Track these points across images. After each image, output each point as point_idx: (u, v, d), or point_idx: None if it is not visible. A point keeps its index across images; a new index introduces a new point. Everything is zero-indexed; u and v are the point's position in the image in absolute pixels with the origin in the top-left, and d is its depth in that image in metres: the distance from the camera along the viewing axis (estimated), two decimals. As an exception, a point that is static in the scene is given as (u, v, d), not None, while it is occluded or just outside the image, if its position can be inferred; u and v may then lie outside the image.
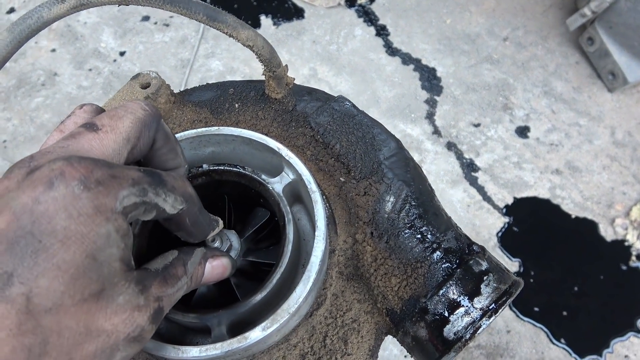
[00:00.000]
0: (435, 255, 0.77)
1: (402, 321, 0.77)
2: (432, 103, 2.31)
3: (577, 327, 1.74)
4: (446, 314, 0.72)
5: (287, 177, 0.85)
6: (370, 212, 0.84)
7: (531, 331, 1.73)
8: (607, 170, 2.11)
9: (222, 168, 0.88)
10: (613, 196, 2.04)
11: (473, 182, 2.06)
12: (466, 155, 2.14)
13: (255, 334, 0.68)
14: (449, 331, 0.72)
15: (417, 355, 0.78)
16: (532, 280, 1.82)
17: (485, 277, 0.75)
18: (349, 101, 0.95)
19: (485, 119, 2.26)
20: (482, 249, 0.81)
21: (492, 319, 0.71)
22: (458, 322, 0.72)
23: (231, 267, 0.68)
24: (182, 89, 2.55)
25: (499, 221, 1.96)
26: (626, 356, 1.69)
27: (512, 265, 1.87)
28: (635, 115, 2.28)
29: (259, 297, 0.75)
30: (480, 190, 2.04)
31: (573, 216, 1.97)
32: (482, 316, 0.71)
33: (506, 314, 1.77)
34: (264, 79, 0.99)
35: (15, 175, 0.38)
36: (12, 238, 0.34)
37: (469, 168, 2.10)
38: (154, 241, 0.83)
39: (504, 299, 0.73)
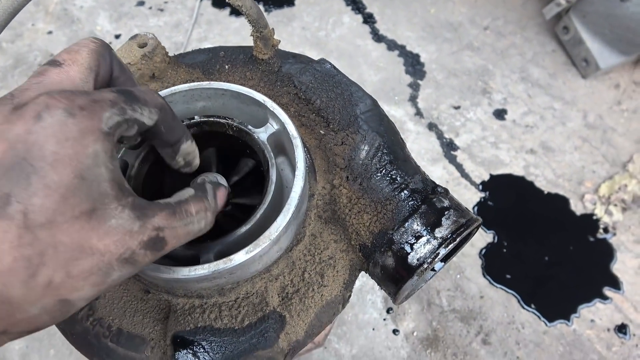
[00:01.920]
0: (402, 194, 0.85)
1: (373, 253, 0.85)
2: (415, 87, 2.39)
3: (546, 294, 1.83)
4: (410, 243, 0.80)
5: (272, 127, 0.92)
6: (346, 159, 0.92)
7: (503, 297, 1.82)
8: (578, 151, 2.21)
9: (212, 119, 0.95)
10: (583, 174, 2.13)
11: (452, 160, 2.14)
12: (446, 135, 2.22)
13: (239, 257, 0.75)
14: (412, 258, 0.80)
15: (385, 283, 0.86)
16: (505, 250, 1.91)
17: (446, 212, 0.83)
18: (330, 63, 1.02)
19: (465, 102, 2.34)
20: (446, 190, 0.89)
21: (450, 246, 0.79)
22: (420, 249, 0.80)
23: (227, 194, 0.74)
24: None
25: (476, 196, 2.05)
26: (592, 320, 1.79)
27: (486, 236, 1.96)
28: (607, 100, 2.38)
29: (243, 229, 0.83)
30: (459, 167, 2.12)
31: (545, 192, 2.06)
32: (441, 244, 0.79)
33: (480, 281, 1.86)
34: (252, 45, 1.06)
35: (1, 112, 0.40)
36: (8, 164, 0.37)
37: (449, 147, 2.19)
38: (149, 180, 0.90)
39: (462, 230, 0.81)
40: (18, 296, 0.37)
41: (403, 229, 0.81)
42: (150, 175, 0.94)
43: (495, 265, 1.86)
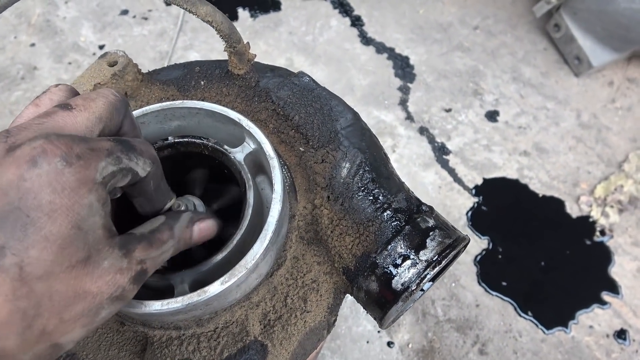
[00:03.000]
0: (385, 214, 0.82)
1: (356, 277, 0.82)
2: (405, 90, 2.36)
3: (543, 300, 1.80)
4: (394, 267, 0.77)
5: (249, 146, 0.89)
6: (327, 177, 0.88)
7: (499, 305, 1.79)
8: (572, 151, 2.19)
9: (187, 140, 0.92)
10: (578, 175, 2.11)
11: (444, 164, 2.12)
12: (438, 139, 2.19)
13: (214, 288, 0.72)
14: (396, 282, 0.77)
15: (370, 308, 0.83)
16: (500, 257, 1.88)
17: (431, 233, 0.80)
18: (308, 76, 0.99)
19: (456, 104, 2.31)
20: (430, 208, 0.86)
21: (435, 269, 0.76)
22: (405, 273, 0.76)
23: (217, 227, 0.72)
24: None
25: (469, 201, 2.02)
26: (590, 326, 1.76)
27: (481, 242, 1.93)
28: (600, 98, 2.36)
29: (219, 256, 0.79)
30: (451, 172, 2.09)
31: (540, 195, 2.03)
32: (426, 267, 0.76)
33: (475, 289, 1.83)
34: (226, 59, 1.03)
35: None
36: (2, 213, 0.36)
37: (441, 151, 2.16)
38: (121, 212, 0.87)
39: (448, 251, 0.78)
40: (12, 347, 0.37)
41: (386, 252, 0.78)
42: (121, 205, 0.90)
43: (490, 272, 1.83)
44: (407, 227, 0.80)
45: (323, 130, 0.92)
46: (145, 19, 2.77)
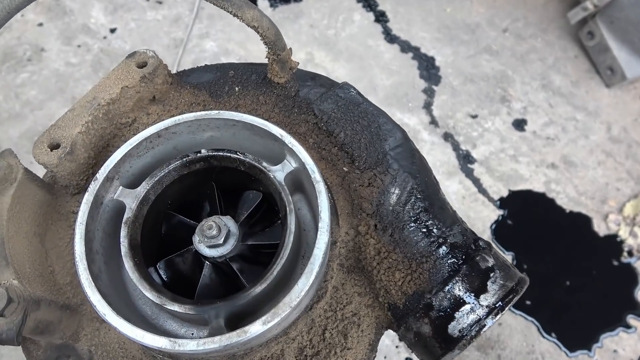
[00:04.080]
0: (441, 250, 0.75)
1: (405, 317, 0.76)
2: (430, 93, 2.29)
3: (567, 322, 1.75)
4: (451, 310, 0.71)
5: (289, 165, 0.82)
6: (374, 203, 0.82)
7: (522, 324, 1.74)
8: (602, 166, 2.12)
9: (222, 154, 0.85)
10: (607, 192, 2.05)
11: (469, 173, 2.05)
12: (463, 147, 2.13)
13: (255, 328, 0.66)
14: (453, 328, 0.71)
15: (418, 351, 0.77)
16: (525, 274, 1.82)
17: (491, 274, 0.73)
18: (354, 88, 0.92)
19: (482, 110, 2.24)
20: (489, 244, 0.79)
21: (498, 317, 0.70)
22: (463, 319, 0.70)
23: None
24: (175, 70, 2.49)
25: (494, 214, 1.96)
26: (615, 351, 1.72)
27: (505, 258, 1.86)
28: (632, 112, 2.29)
29: (258, 289, 0.73)
30: (476, 182, 2.03)
31: (567, 210, 1.97)
32: (488, 314, 0.70)
33: (498, 306, 1.77)
34: (265, 62, 0.95)
35: None
36: None
37: (465, 160, 2.09)
38: (145, 234, 0.80)
39: (511, 296, 0.71)
40: None
41: (442, 294, 0.72)
42: (149, 219, 0.84)
43: (514, 290, 1.77)
44: (465, 266, 0.73)
45: (370, 150, 0.85)
46: (160, 2, 2.68)
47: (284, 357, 0.78)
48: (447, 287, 0.72)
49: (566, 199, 2.01)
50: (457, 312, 0.71)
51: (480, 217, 1.95)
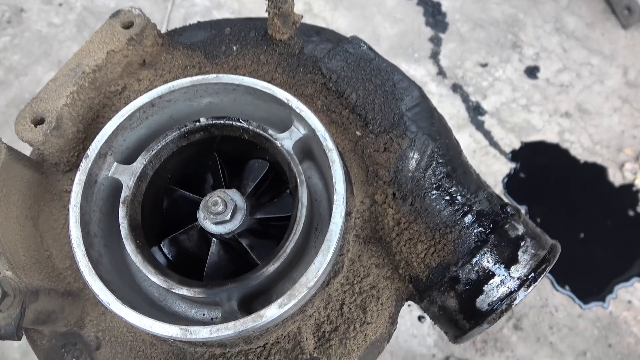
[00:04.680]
0: (466, 219, 0.70)
1: (428, 289, 0.72)
2: (436, 41, 2.17)
3: (581, 274, 1.74)
4: (479, 284, 0.67)
5: (298, 131, 0.76)
6: (391, 170, 0.76)
7: (535, 278, 1.72)
8: (617, 113, 2.04)
9: (223, 122, 0.78)
10: (623, 140, 1.98)
11: (479, 126, 1.98)
12: (472, 98, 2.04)
13: (271, 312, 0.62)
14: (482, 302, 0.67)
15: (443, 324, 0.74)
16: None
17: (522, 243, 0.68)
18: (364, 42, 0.83)
19: (493, 58, 2.13)
20: (517, 210, 0.74)
21: (530, 288, 0.66)
22: (493, 292, 0.66)
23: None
24: (164, 28, 2.34)
25: (505, 167, 1.90)
26: (629, 301, 1.71)
27: (517, 212, 1.83)
28: (650, 53, 2.17)
29: (271, 268, 0.69)
30: (487, 135, 1.96)
31: (582, 161, 1.91)
32: (520, 286, 0.65)
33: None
34: (264, 16, 0.86)
35: None
36: None
37: (475, 111, 2.01)
38: (146, 213, 0.75)
39: (544, 266, 0.67)
40: None
41: (470, 266, 0.67)
42: (149, 195, 0.78)
43: (526, 245, 1.75)
44: (492, 235, 0.68)
45: (385, 111, 0.78)
46: (143, -47, 2.49)
47: (301, 335, 0.75)
48: (474, 259, 0.67)
49: (580, 149, 1.95)
50: (485, 285, 0.66)
51: (492, 171, 1.90)
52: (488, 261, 0.66)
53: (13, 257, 0.66)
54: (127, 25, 0.80)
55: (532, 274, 0.66)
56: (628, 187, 1.86)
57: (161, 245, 0.80)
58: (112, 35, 0.78)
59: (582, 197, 1.85)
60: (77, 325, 0.74)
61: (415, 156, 0.75)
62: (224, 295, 0.67)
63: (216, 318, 0.73)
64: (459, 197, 0.71)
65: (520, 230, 0.70)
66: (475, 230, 0.69)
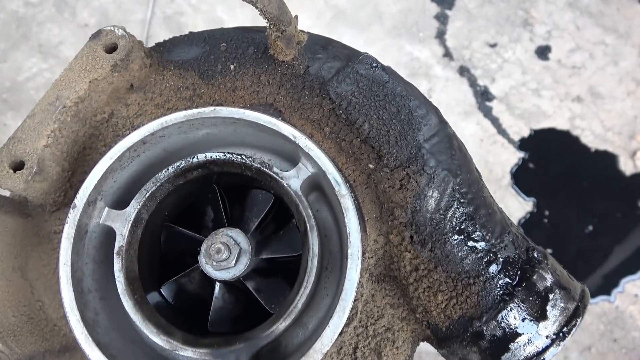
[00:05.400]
0: (491, 268, 0.65)
1: (448, 340, 0.68)
2: (442, 19, 2.05)
3: (588, 268, 1.73)
4: (505, 341, 0.63)
5: (306, 169, 0.70)
6: (408, 211, 0.70)
7: (542, 272, 1.70)
8: (631, 97, 1.97)
9: (224, 158, 0.72)
10: (636, 126, 1.92)
11: (487, 113, 1.90)
12: (480, 82, 1.95)
13: (285, 382, 0.59)
14: (507, 360, 0.63)
15: (464, 374, 0.70)
16: (546, 221, 1.77)
17: (551, 296, 0.64)
18: (377, 62, 0.76)
19: (502, 37, 2.03)
20: (544, 255, 0.69)
21: (560, 346, 0.62)
22: (519, 351, 0.62)
23: None
24: (146, 26, 2.18)
25: (514, 156, 1.85)
26: (636, 295, 1.71)
27: (525, 204, 1.80)
28: (668, 30, 2.07)
29: (282, 326, 0.65)
30: (495, 122, 1.89)
31: (592, 149, 1.86)
32: (549, 345, 0.62)
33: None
34: (262, 24, 0.78)
35: None
36: None
37: (483, 97, 1.93)
38: (143, 259, 0.70)
39: (574, 322, 0.63)
40: None
41: (495, 323, 0.63)
42: (145, 238, 0.73)
43: (534, 238, 1.72)
44: (519, 288, 0.64)
45: (402, 144, 0.72)
46: None
47: (314, 383, 0.71)
48: (500, 315, 0.63)
49: (592, 136, 1.89)
50: (512, 344, 0.63)
51: (500, 161, 1.84)
52: (515, 318, 0.62)
53: (1, 322, 0.62)
54: (111, 49, 0.72)
55: (562, 331, 0.62)
56: (639, 177, 1.82)
57: (161, 290, 0.76)
58: (94, 62, 0.70)
59: (591, 188, 1.81)
60: (76, 381, 0.70)
61: (435, 195, 0.69)
62: (232, 357, 0.63)
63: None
64: (482, 243, 0.67)
65: (549, 280, 0.65)
66: (500, 282, 0.65)
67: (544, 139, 1.87)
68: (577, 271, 1.70)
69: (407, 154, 0.71)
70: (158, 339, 0.63)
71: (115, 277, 0.65)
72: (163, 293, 0.76)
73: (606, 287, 1.71)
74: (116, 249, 0.67)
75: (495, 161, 1.84)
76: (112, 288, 0.67)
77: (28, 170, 0.66)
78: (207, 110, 0.68)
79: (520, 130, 1.88)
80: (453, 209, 0.68)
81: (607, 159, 1.85)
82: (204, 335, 0.72)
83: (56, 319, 0.71)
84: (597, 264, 1.73)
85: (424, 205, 0.69)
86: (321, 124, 0.77)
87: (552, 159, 1.84)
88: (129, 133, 0.66)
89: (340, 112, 0.74)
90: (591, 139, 1.88)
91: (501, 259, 0.66)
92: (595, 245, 1.75)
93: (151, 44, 0.83)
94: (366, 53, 0.77)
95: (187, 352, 0.62)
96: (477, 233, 0.67)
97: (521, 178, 1.81)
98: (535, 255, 0.67)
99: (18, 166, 0.66)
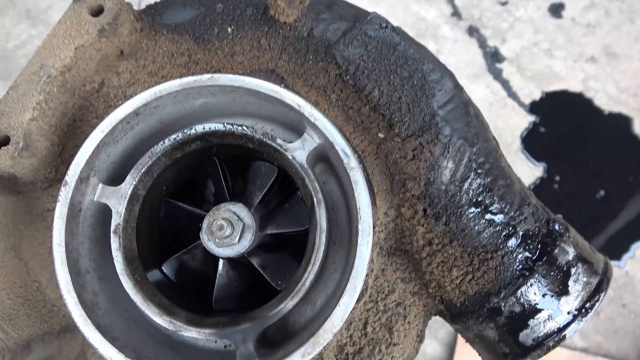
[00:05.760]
0: (510, 242, 0.62)
1: (463, 315, 0.65)
2: (450, -25, 1.94)
3: (598, 233, 1.71)
4: (524, 317, 0.60)
5: (312, 140, 0.65)
6: (422, 182, 0.66)
7: (551, 239, 1.68)
8: (648, 55, 1.89)
9: (223, 129, 0.67)
10: (651, 86, 1.85)
11: (497, 75, 1.83)
12: (490, 43, 1.87)
13: (295, 361, 0.57)
14: (526, 336, 0.61)
15: (479, 349, 0.68)
16: (556, 186, 1.73)
17: (573, 270, 0.61)
18: (387, 22, 0.70)
19: (513, -6, 1.93)
20: (566, 227, 0.66)
21: (582, 322, 0.59)
22: (539, 327, 0.60)
23: None
24: None
25: (524, 120, 1.79)
26: (645, 259, 1.69)
27: (536, 169, 1.75)
28: (689, -17, 1.96)
29: (290, 304, 0.62)
30: (505, 84, 1.82)
31: (606, 112, 1.80)
32: (571, 321, 0.59)
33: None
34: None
35: None
36: None
37: (493, 58, 1.85)
38: (142, 237, 0.67)
39: (597, 297, 0.60)
40: None
41: (514, 299, 0.60)
42: (144, 215, 0.69)
43: (544, 204, 1.69)
44: (540, 263, 0.61)
45: (414, 111, 0.67)
46: None
47: (322, 359, 0.70)
48: (519, 291, 0.60)
49: (605, 98, 1.82)
50: (531, 320, 0.60)
51: (510, 126, 1.79)
52: (535, 294, 0.59)
53: (-5, 306, 0.59)
54: (96, 12, 0.66)
55: (585, 307, 0.59)
56: (654, 139, 1.77)
57: (162, 268, 0.73)
58: (79, 27, 0.65)
59: (604, 152, 1.76)
60: (79, 362, 0.69)
61: (450, 165, 0.65)
62: (238, 337, 0.61)
63: (229, 345, 0.67)
64: (501, 216, 0.63)
65: (571, 253, 0.62)
66: (520, 256, 0.61)
67: (556, 102, 1.80)
68: (587, 236, 1.67)
69: (420, 122, 0.67)
70: (161, 320, 0.60)
71: (113, 256, 0.62)
72: (164, 271, 0.73)
73: (617, 252, 1.70)
74: (113, 227, 0.63)
75: (504, 126, 1.78)
76: (110, 268, 0.64)
77: (14, 145, 0.62)
78: (204, 78, 0.63)
79: (531, 93, 1.82)
80: (469, 180, 0.64)
81: (621, 122, 1.79)
82: (208, 313, 0.70)
83: (54, 300, 0.69)
84: (607, 228, 1.70)
85: (438, 176, 0.65)
86: (327, 90, 0.72)
87: (563, 123, 1.78)
88: (121, 104, 0.62)
89: (348, 77, 0.69)
90: (605, 101, 1.81)
91: (521, 233, 0.62)
92: (606, 210, 1.72)
93: (144, 6, 0.77)
94: (375, 13, 0.71)
95: (192, 332, 0.60)
96: (495, 205, 0.63)
97: (531, 143, 1.76)
98: (557, 227, 0.64)
99: (3, 141, 0.62)
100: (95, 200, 0.63)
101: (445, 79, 0.68)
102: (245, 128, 0.66)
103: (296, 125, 0.67)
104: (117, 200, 0.64)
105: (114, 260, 0.62)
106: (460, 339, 1.62)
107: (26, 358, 0.58)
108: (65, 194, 0.60)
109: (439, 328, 1.66)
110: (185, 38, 0.74)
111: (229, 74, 0.63)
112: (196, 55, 0.74)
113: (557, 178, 1.74)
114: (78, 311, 0.57)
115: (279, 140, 0.65)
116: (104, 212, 0.65)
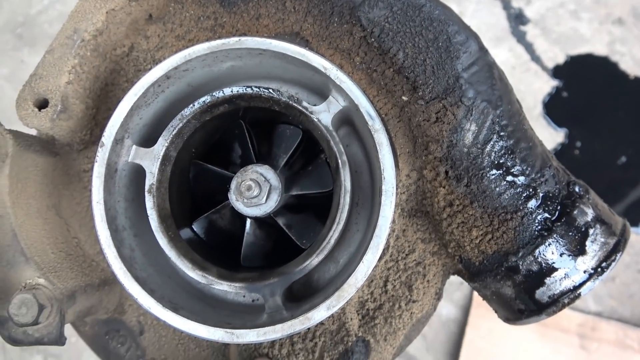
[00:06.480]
0: (530, 203, 0.63)
1: (481, 274, 0.68)
2: None
3: (617, 199, 1.69)
4: (541, 276, 0.62)
5: (337, 103, 0.66)
6: (444, 145, 0.68)
7: (569, 205, 1.68)
8: (680, 16, 1.81)
9: (251, 92, 0.69)
10: (682, 48, 1.78)
11: (521, 38, 1.78)
12: (514, 4, 1.81)
13: (320, 314, 0.60)
14: (542, 294, 0.63)
15: (495, 306, 0.71)
16: (577, 152, 1.71)
17: (591, 231, 0.62)
18: (412, -18, 0.69)
19: (540, -48, 1.85)
20: (586, 189, 0.67)
21: (597, 281, 0.61)
22: (555, 285, 0.62)
23: None
24: None
25: (547, 85, 1.75)
26: (664, 225, 1.68)
27: (557, 135, 1.73)
28: None
29: (315, 261, 0.65)
30: (529, 48, 1.78)
31: (632, 76, 1.75)
32: (587, 279, 0.61)
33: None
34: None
35: None
36: None
37: (517, 20, 1.80)
38: (174, 197, 0.70)
39: (614, 257, 0.62)
40: None
41: (532, 258, 0.62)
42: (175, 176, 0.72)
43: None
44: (559, 224, 0.62)
45: (439, 74, 0.67)
46: None
47: (345, 315, 0.74)
48: (537, 250, 0.62)
49: (631, 62, 1.77)
50: (548, 278, 0.62)
51: (532, 90, 1.76)
52: (553, 253, 0.61)
53: (42, 259, 0.63)
54: (124, -23, 0.67)
55: (601, 266, 0.61)
56: (681, 104, 1.72)
57: (193, 226, 0.76)
58: (105, -6, 0.66)
59: (628, 118, 1.72)
60: (118, 312, 0.74)
61: (473, 128, 0.66)
62: (267, 291, 0.64)
63: (257, 299, 0.71)
64: (522, 178, 0.64)
65: (590, 215, 0.63)
66: (539, 217, 0.63)
67: (580, 66, 1.76)
68: (606, 202, 1.67)
69: (444, 85, 0.67)
70: (194, 274, 0.64)
71: (148, 214, 0.66)
72: (195, 229, 0.77)
73: (635, 219, 1.69)
74: (147, 186, 0.66)
75: (527, 90, 1.75)
76: (145, 226, 0.67)
77: (53, 108, 0.64)
78: (232, 41, 0.64)
79: (555, 56, 1.77)
80: (492, 142, 0.65)
81: (647, 86, 1.74)
82: (237, 269, 0.74)
83: (93, 255, 0.73)
84: (627, 194, 1.69)
85: (460, 139, 0.66)
86: (351, 53, 0.73)
87: (587, 87, 1.74)
88: (151, 67, 0.64)
89: (372, 40, 0.69)
90: (631, 65, 1.76)
91: (541, 194, 0.64)
92: (627, 176, 1.70)
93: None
94: (400, -27, 0.70)
95: (223, 286, 0.64)
96: (517, 167, 0.64)
97: (553, 108, 1.73)
98: (577, 189, 0.65)
99: (42, 104, 0.65)
100: (129, 161, 0.66)
101: (471, 40, 0.68)
102: (272, 91, 0.68)
103: (320, 89, 0.69)
104: (151, 161, 0.66)
105: (149, 218, 0.66)
106: (475, 302, 1.66)
107: (71, 307, 0.62)
108: (102, 155, 0.63)
109: (454, 291, 1.70)
110: (211, 1, 0.75)
111: (256, 37, 0.64)
112: (222, 19, 0.75)
113: (578, 144, 1.72)
114: (118, 264, 0.61)
115: (304, 103, 0.66)
116: (138, 173, 0.68)
